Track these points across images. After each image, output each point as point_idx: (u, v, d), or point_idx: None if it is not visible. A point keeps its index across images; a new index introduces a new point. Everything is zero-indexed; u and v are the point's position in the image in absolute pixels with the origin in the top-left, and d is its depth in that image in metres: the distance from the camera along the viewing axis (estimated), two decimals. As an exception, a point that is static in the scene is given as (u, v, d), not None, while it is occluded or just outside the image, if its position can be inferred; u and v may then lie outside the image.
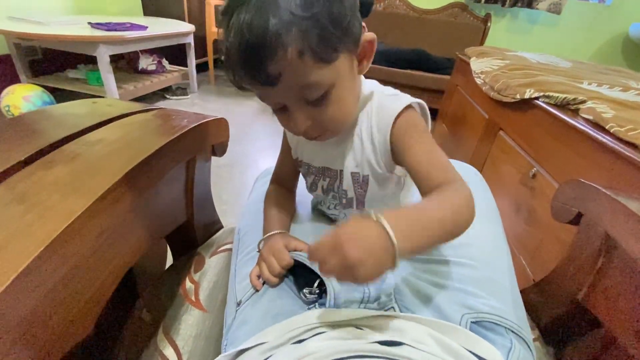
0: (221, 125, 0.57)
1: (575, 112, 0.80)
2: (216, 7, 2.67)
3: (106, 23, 1.88)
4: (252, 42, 0.28)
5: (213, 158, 0.60)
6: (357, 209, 0.48)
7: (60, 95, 2.03)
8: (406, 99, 0.41)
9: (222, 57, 0.33)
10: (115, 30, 1.79)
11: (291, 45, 0.29)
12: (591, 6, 2.74)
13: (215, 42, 2.71)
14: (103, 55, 1.71)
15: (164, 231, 0.52)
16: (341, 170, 0.46)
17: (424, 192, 0.39)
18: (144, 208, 0.44)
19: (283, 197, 0.53)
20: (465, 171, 0.68)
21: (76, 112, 0.52)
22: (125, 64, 2.34)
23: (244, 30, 0.28)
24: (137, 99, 2.17)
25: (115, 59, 2.28)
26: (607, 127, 0.67)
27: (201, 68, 2.89)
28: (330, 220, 0.55)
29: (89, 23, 1.84)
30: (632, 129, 0.64)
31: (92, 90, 1.93)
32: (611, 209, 0.46)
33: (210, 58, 2.77)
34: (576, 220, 0.53)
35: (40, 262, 0.26)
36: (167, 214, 0.51)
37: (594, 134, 0.67)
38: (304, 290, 0.40)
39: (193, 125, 0.47)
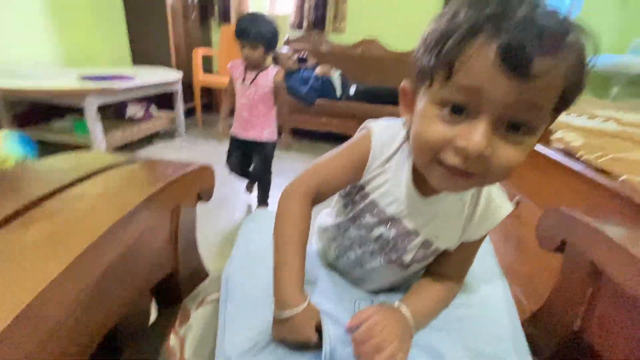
0: (206, 172, 0.58)
1: (547, 142, 0.84)
2: (203, 57, 2.80)
3: (96, 76, 1.93)
4: (545, 29, 0.26)
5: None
6: (398, 266, 0.46)
7: (46, 146, 2.02)
8: (510, 203, 0.44)
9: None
10: (104, 80, 1.84)
11: (566, 64, 0.27)
12: (551, 42, 2.99)
13: (202, 88, 2.81)
14: (91, 106, 1.74)
15: (147, 285, 0.50)
16: (416, 232, 0.43)
17: (436, 271, 0.47)
18: (126, 263, 0.43)
19: (309, 229, 0.44)
20: None
21: (58, 167, 0.52)
22: (112, 112, 2.37)
23: (539, 18, 0.26)
24: (125, 146, 2.18)
25: (102, 108, 2.32)
26: (577, 155, 0.70)
27: (189, 112, 2.95)
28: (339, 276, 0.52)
29: (79, 76, 1.89)
30: (601, 156, 0.68)
31: (79, 140, 1.93)
32: (591, 236, 0.47)
33: (197, 103, 2.85)
34: (561, 247, 0.54)
35: (14, 329, 0.25)
36: (151, 266, 0.50)
37: (567, 163, 0.71)
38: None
39: (177, 176, 0.47)
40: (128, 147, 2.25)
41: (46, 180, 0.47)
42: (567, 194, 0.71)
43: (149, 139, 2.41)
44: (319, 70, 2.54)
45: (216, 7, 3.07)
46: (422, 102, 0.33)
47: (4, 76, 1.77)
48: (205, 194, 0.58)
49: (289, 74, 2.64)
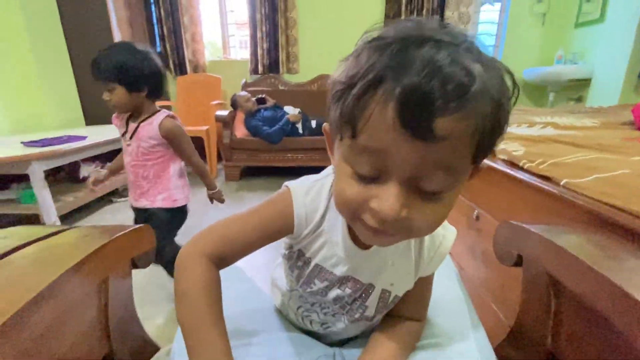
0: (143, 234, 0.53)
1: (493, 155, 0.87)
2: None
3: (41, 139, 1.84)
4: (447, 81, 0.23)
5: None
6: (364, 321, 0.44)
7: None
8: (453, 230, 0.42)
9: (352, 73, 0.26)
10: (51, 145, 1.75)
11: (475, 119, 0.24)
12: (489, 61, 3.26)
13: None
14: (36, 172, 1.64)
15: (73, 379, 0.43)
16: (371, 285, 0.41)
17: (397, 313, 0.45)
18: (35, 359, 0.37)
19: (219, 296, 0.38)
20: None
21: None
22: (64, 175, 2.25)
23: (441, 66, 0.23)
24: (80, 208, 2.05)
25: (53, 172, 2.19)
26: (520, 165, 0.72)
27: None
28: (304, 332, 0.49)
29: (22, 142, 1.79)
30: (541, 162, 0.70)
31: (26, 209, 1.79)
32: (543, 247, 0.46)
33: (158, 154, 2.78)
34: (519, 261, 0.53)
35: None
36: (74, 356, 0.43)
37: (512, 173, 0.72)
38: None
39: (97, 246, 0.42)
40: (85, 209, 2.11)
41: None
42: (519, 204, 0.72)
43: (107, 200, 2.28)
44: (290, 117, 2.60)
45: (171, 60, 3.11)
46: (337, 154, 0.31)
47: None
48: (141, 260, 0.52)
49: (249, 115, 2.68)
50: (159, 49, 3.13)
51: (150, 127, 0.98)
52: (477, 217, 0.88)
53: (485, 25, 3.27)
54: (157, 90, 0.99)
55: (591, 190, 0.55)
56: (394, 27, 0.27)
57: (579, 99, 2.84)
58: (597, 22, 2.64)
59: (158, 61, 0.98)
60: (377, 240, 0.31)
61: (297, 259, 0.42)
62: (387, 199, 0.26)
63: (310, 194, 0.39)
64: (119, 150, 2.39)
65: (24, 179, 1.97)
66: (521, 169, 0.72)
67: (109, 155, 2.30)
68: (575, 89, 2.88)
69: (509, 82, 0.27)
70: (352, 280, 0.41)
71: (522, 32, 3.15)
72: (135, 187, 1.05)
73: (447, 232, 0.41)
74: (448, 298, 0.52)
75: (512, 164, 0.76)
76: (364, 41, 0.28)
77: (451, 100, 0.23)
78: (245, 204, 2.21)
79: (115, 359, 0.48)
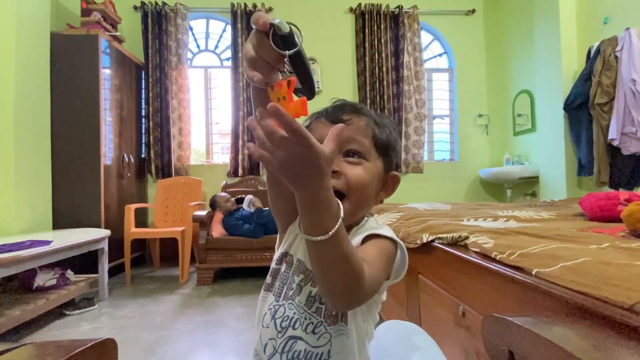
0: (104, 349, 0.47)
1: (466, 247, 0.91)
2: (139, 210, 2.76)
3: (1, 245, 1.72)
4: (347, 105, 0.54)
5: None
6: (340, 324, 0.47)
7: None
8: (388, 230, 0.51)
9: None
10: (10, 251, 1.63)
11: (365, 120, 0.52)
12: (447, 164, 3.68)
13: (136, 242, 2.65)
14: (-17, 283, 1.48)
15: None
16: None
17: None
18: None
19: None
20: (409, 332, 0.65)
21: None
22: (17, 284, 2.02)
23: (347, 104, 0.54)
24: (27, 322, 1.78)
25: (4, 282, 1.98)
26: (492, 256, 0.76)
27: (117, 270, 2.67)
28: None
29: (-23, 250, 1.66)
30: (511, 253, 0.74)
31: (-43, 329, 1.54)
32: (531, 341, 0.46)
33: (127, 257, 2.62)
34: (512, 358, 0.51)
35: None
36: None
37: (487, 265, 0.75)
38: None
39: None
40: (32, 323, 1.84)
41: None
42: (500, 296, 0.73)
43: (59, 313, 2.01)
44: (251, 207, 2.65)
45: (153, 165, 3.23)
46: None
47: None
48: (101, 381, 0.46)
49: (228, 214, 2.69)
50: (143, 155, 3.28)
51: None
52: (463, 314, 0.86)
53: (440, 135, 3.79)
54: None
55: (560, 279, 0.57)
56: None
57: (534, 194, 3.14)
58: (530, 131, 3.15)
59: None
60: None
61: (282, 263, 0.52)
62: None
63: None
64: (83, 256, 2.23)
65: (-34, 291, 1.75)
66: (494, 260, 0.75)
67: (71, 261, 2.14)
68: (528, 185, 3.21)
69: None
70: None
71: (471, 141, 3.66)
72: None
73: (375, 226, 0.52)
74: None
75: (485, 256, 0.80)
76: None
77: (347, 110, 0.52)
78: (218, 310, 2.02)
79: None
